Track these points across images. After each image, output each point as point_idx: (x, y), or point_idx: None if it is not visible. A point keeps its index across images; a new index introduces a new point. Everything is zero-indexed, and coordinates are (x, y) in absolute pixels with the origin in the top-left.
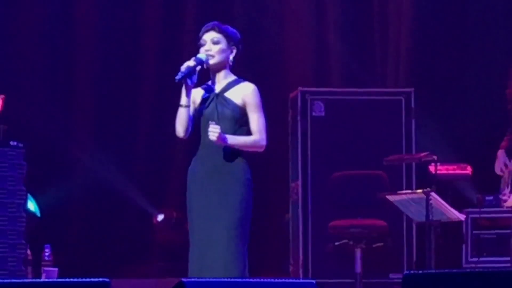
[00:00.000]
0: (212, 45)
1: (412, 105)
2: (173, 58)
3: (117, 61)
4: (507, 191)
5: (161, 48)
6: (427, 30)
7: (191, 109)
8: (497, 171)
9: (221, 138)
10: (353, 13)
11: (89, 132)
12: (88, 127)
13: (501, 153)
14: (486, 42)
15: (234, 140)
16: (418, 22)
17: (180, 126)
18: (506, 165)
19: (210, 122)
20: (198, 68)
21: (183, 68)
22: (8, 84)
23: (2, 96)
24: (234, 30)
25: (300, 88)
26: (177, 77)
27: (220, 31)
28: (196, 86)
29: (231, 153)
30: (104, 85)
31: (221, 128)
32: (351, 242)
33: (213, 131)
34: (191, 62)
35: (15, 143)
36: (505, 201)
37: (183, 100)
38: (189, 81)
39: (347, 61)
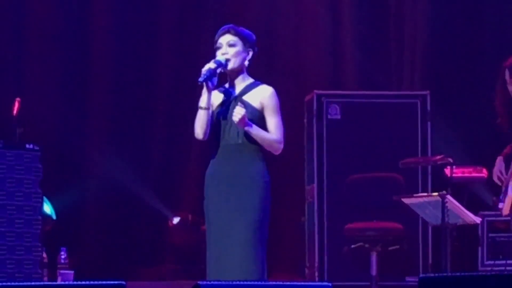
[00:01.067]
0: (228, 48)
1: (428, 108)
2: (189, 62)
3: (133, 64)
4: (502, 199)
5: (177, 51)
6: (442, 33)
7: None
8: (494, 178)
9: (244, 121)
10: (368, 16)
11: (105, 134)
12: (103, 130)
13: (498, 160)
14: (502, 45)
15: (255, 129)
16: (434, 25)
17: (200, 128)
18: (501, 173)
19: (239, 104)
20: (219, 70)
21: (205, 70)
22: (24, 87)
23: (19, 99)
24: (250, 32)
25: (315, 91)
26: (200, 79)
27: (235, 34)
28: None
29: (249, 156)
30: (120, 87)
31: (240, 131)
32: (366, 245)
33: (239, 112)
34: (212, 64)
35: (31, 146)
36: (501, 209)
37: (204, 102)
38: (210, 83)
39: (362, 64)
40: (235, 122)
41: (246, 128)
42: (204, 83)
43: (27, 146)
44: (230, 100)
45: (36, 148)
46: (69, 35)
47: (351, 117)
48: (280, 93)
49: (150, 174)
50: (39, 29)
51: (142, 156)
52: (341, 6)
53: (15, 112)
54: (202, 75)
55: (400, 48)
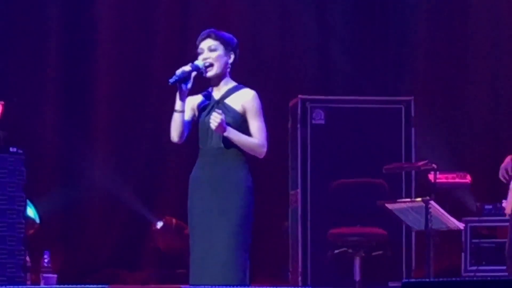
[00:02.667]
0: (209, 53)
1: (412, 113)
2: (174, 67)
3: (116, 69)
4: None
5: (162, 56)
6: (427, 39)
7: (188, 115)
8: (500, 175)
9: (222, 127)
10: (353, 21)
11: (89, 138)
12: (87, 134)
13: (508, 158)
14: (487, 51)
15: (234, 134)
16: (419, 31)
17: (174, 131)
18: (507, 171)
19: (216, 110)
20: (194, 74)
21: (178, 72)
22: (8, 91)
23: (2, 102)
24: (231, 36)
25: (300, 96)
26: (171, 80)
27: (216, 38)
28: (197, 93)
29: (231, 160)
30: (104, 92)
31: (221, 136)
32: (350, 250)
33: (215, 118)
34: (187, 67)
35: (15, 149)
36: (504, 208)
37: (177, 105)
38: (183, 86)
39: (347, 69)
40: (213, 129)
41: (225, 134)
42: (177, 85)
43: (11, 149)
44: (212, 104)
45: (20, 151)
46: (52, 38)
47: (336, 122)
48: (265, 98)
49: (133, 178)
50: (23, 32)
51: (126, 160)
52: (326, 11)
53: None
54: (173, 76)
55: (384, 54)
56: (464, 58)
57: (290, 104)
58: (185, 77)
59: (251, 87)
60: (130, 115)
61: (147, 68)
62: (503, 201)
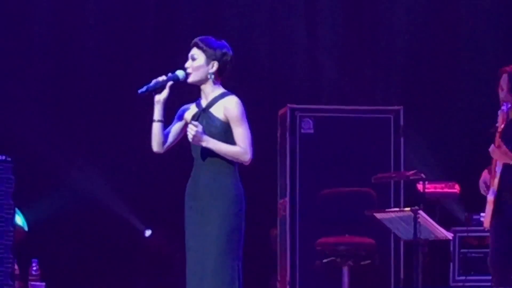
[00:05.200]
0: (191, 62)
1: (401, 123)
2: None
3: (108, 75)
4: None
5: (153, 63)
6: (416, 49)
7: (176, 125)
8: (481, 190)
9: (199, 138)
10: (343, 31)
11: (78, 146)
12: (77, 141)
13: (484, 173)
14: (475, 61)
15: (213, 144)
16: (408, 40)
17: (153, 141)
18: (486, 184)
19: (192, 121)
20: (170, 83)
21: (152, 82)
22: None
23: None
24: (219, 44)
25: (289, 105)
26: (140, 90)
27: (199, 47)
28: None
29: (217, 169)
30: (95, 99)
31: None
32: (338, 260)
33: (190, 131)
34: (161, 78)
35: (3, 157)
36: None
37: (155, 114)
38: (156, 96)
39: (336, 78)
40: (190, 141)
41: (203, 144)
42: (147, 94)
43: (0, 157)
44: (198, 113)
45: (8, 159)
46: (41, 44)
47: (325, 132)
48: (254, 107)
49: (123, 186)
50: (11, 40)
51: (115, 167)
52: (315, 20)
53: None
54: (144, 86)
55: (374, 63)
56: (454, 67)
57: (279, 113)
58: (158, 87)
59: (240, 96)
60: (120, 122)
61: (138, 76)
62: (482, 214)
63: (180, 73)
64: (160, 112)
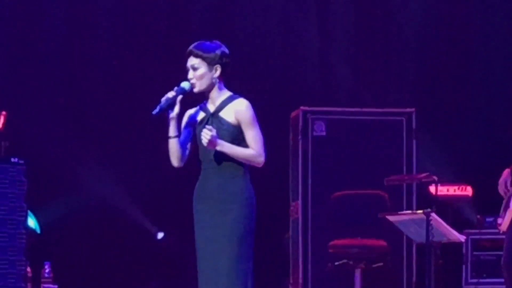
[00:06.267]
0: (193, 72)
1: (414, 125)
2: (177, 80)
3: (121, 80)
4: (502, 214)
5: (165, 68)
6: (429, 51)
7: (186, 132)
8: (499, 190)
9: (214, 142)
10: (356, 33)
11: (90, 149)
12: (89, 144)
13: (505, 172)
14: (488, 63)
15: (228, 147)
16: (421, 43)
17: (172, 157)
18: (506, 185)
19: (206, 126)
20: (179, 98)
21: (163, 100)
22: (10, 101)
23: (4, 112)
24: (214, 46)
25: (301, 108)
26: (154, 112)
27: (196, 55)
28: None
29: (229, 172)
30: (107, 103)
31: (215, 151)
32: (350, 262)
33: (205, 135)
34: (171, 93)
35: (16, 160)
36: (500, 225)
37: (170, 131)
38: (170, 112)
39: (349, 81)
40: (204, 146)
41: (218, 148)
42: (167, 113)
43: (12, 160)
44: (207, 117)
45: (21, 162)
46: (55, 49)
47: (337, 134)
48: (266, 109)
49: (135, 189)
50: (26, 43)
51: (128, 170)
52: (328, 22)
53: (0, 126)
54: (157, 106)
55: (386, 66)
56: (466, 69)
57: (292, 115)
58: (170, 104)
59: (252, 98)
60: (133, 126)
61: (150, 80)
62: (499, 218)
63: (185, 84)
64: (175, 128)
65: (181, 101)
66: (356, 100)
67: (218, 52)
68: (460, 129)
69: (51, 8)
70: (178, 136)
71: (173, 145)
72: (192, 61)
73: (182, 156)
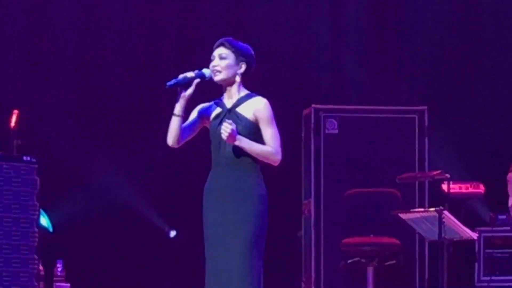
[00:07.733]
0: (219, 61)
1: (426, 123)
2: None
3: (133, 78)
4: None
5: (177, 66)
6: (441, 49)
7: (192, 122)
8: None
9: (233, 136)
10: (367, 31)
11: (103, 147)
12: (101, 143)
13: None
14: (501, 61)
15: (247, 143)
16: (433, 40)
17: (169, 135)
18: None
19: (225, 119)
20: (197, 81)
21: (180, 76)
22: (23, 99)
23: (17, 111)
24: (246, 46)
25: (313, 105)
26: (168, 83)
27: (228, 47)
28: (209, 100)
29: (244, 169)
30: (119, 101)
31: (233, 146)
32: (363, 260)
33: (225, 129)
34: (190, 73)
35: (28, 158)
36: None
37: (176, 109)
38: (183, 91)
39: (361, 79)
40: (224, 139)
41: (236, 143)
42: (176, 89)
43: (25, 158)
44: (223, 113)
45: (34, 160)
46: (68, 47)
47: (349, 132)
48: (278, 107)
49: (148, 187)
50: (38, 41)
51: (140, 169)
52: (340, 20)
53: (13, 124)
54: (173, 79)
55: (398, 63)
56: (478, 67)
57: (304, 113)
58: (186, 83)
59: (265, 96)
60: (145, 124)
61: (162, 77)
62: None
63: (206, 71)
64: (182, 107)
65: (196, 87)
66: (368, 98)
67: (248, 51)
68: (472, 127)
69: (63, 7)
70: (183, 117)
71: (175, 124)
72: (222, 50)
73: (180, 139)
